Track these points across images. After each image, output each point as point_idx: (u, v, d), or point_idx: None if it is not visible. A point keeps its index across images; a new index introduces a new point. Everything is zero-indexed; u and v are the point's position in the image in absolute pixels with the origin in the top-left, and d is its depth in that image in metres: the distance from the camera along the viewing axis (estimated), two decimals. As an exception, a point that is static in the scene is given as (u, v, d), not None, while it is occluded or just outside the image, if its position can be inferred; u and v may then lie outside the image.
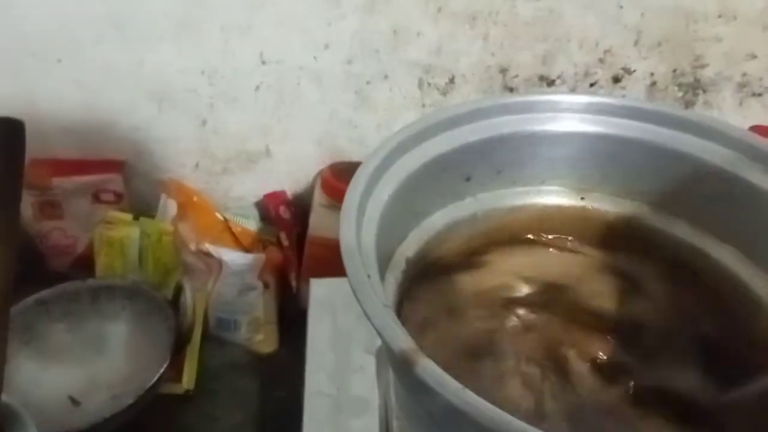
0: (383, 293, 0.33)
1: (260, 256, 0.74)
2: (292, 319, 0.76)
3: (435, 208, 0.48)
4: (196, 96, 0.73)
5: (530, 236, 0.51)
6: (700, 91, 0.79)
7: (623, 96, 0.76)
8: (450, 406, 0.27)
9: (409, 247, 0.45)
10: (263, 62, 0.71)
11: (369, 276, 0.33)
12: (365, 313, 0.30)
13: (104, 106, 0.73)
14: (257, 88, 0.73)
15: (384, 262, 0.42)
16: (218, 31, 0.68)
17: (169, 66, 0.71)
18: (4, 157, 0.42)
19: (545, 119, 0.48)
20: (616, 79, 0.77)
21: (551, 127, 0.48)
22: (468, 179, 0.48)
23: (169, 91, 0.73)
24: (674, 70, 0.77)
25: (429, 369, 0.27)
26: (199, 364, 0.72)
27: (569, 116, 0.48)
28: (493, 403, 0.26)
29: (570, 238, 0.51)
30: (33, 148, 0.72)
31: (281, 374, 0.73)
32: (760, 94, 0.80)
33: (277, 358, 0.76)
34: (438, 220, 0.48)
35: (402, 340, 0.29)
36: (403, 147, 0.43)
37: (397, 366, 0.33)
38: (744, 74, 0.78)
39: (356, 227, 0.35)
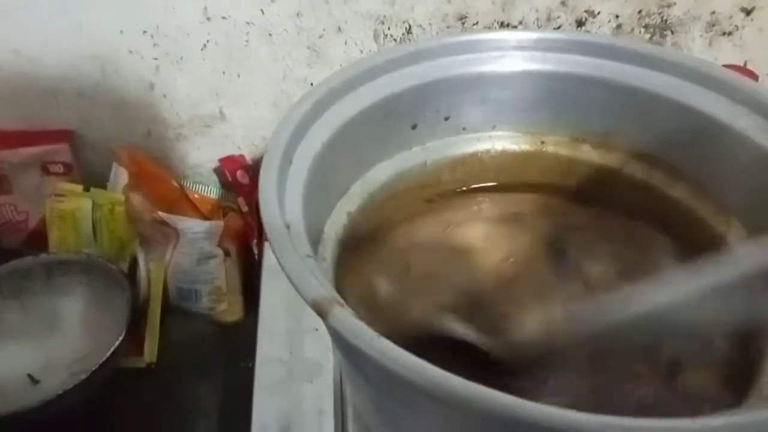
0: (307, 244, 0.31)
1: (218, 223, 0.72)
2: (257, 288, 0.74)
3: (379, 159, 0.45)
4: (140, 58, 0.70)
5: (482, 184, 0.49)
6: (668, 32, 0.76)
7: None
8: (366, 357, 0.24)
9: (351, 200, 0.43)
10: (208, 18, 0.68)
11: (288, 226, 0.30)
12: (279, 263, 0.28)
13: (46, 73, 0.70)
14: (204, 47, 0.70)
15: (322, 216, 0.40)
16: (156, -15, 0.65)
17: (109, 27, 0.67)
18: None
19: (491, 59, 0.45)
20: (580, 23, 0.74)
21: (498, 68, 0.45)
22: (414, 127, 0.46)
23: (111, 54, 0.69)
24: (640, 11, 0.74)
25: (342, 318, 0.25)
26: (161, 336, 0.70)
27: (517, 54, 0.45)
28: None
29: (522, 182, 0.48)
30: (-27, 121, 0.70)
31: (247, 344, 0.70)
32: (730, 33, 0.77)
33: (243, 328, 0.74)
34: (383, 171, 0.45)
35: (315, 289, 0.26)
36: (336, 92, 0.40)
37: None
38: (713, 12, 0.75)
39: (279, 175, 0.33)
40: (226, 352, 0.71)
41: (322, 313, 0.25)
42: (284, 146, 0.35)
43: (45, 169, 0.74)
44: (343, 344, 0.27)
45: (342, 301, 0.27)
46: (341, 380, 0.48)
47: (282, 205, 0.31)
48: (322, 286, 0.27)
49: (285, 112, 0.71)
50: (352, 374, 0.36)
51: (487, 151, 0.49)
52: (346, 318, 0.25)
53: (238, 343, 0.72)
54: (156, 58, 0.70)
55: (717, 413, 0.24)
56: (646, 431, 0.23)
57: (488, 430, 0.27)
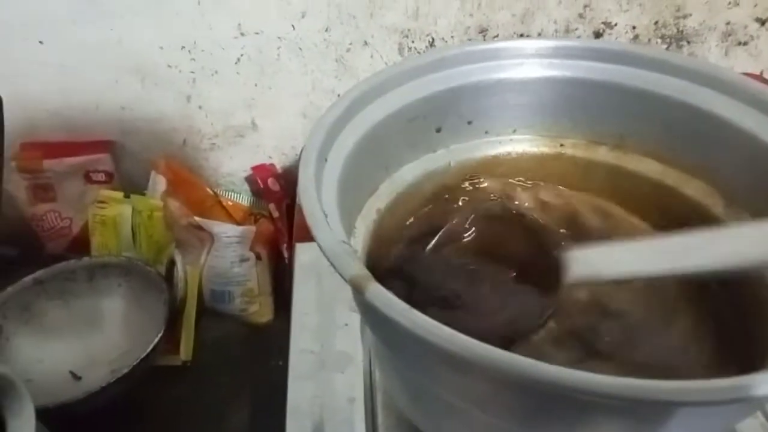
0: (342, 232, 0.34)
1: (251, 228, 0.75)
2: (286, 290, 0.76)
3: (406, 160, 0.48)
4: (177, 72, 0.74)
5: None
6: (684, 43, 0.79)
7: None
8: (402, 330, 0.27)
9: (381, 198, 0.46)
10: (242, 33, 0.72)
11: (326, 214, 0.33)
12: (319, 246, 0.30)
13: (88, 87, 0.74)
14: (238, 60, 0.74)
15: (354, 212, 0.43)
16: (194, 3, 0.69)
17: (149, 42, 0.71)
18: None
19: (512, 66, 0.48)
20: (598, 34, 0.76)
21: (518, 74, 0.48)
22: (438, 130, 0.49)
23: (150, 68, 0.73)
24: (656, 22, 0.76)
25: (378, 293, 0.28)
26: (195, 336, 0.74)
27: (536, 62, 0.48)
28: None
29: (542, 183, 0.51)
30: (22, 133, 0.75)
31: (276, 344, 0.73)
32: (745, 43, 0.79)
33: (272, 329, 0.77)
34: (410, 171, 0.48)
35: (352, 267, 0.29)
36: (367, 97, 0.43)
37: (354, 297, 0.33)
38: (728, 23, 0.77)
39: (316, 169, 0.36)
40: (257, 352, 0.75)
41: (360, 289, 0.28)
42: (320, 145, 0.38)
43: (88, 178, 0.78)
44: (377, 318, 0.29)
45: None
46: (371, 372, 0.50)
47: (319, 195, 0.34)
48: (358, 266, 0.30)
49: (314, 122, 0.75)
50: (383, 353, 0.38)
51: (508, 154, 0.51)
52: (382, 293, 0.28)
53: (268, 342, 0.76)
54: (193, 72, 0.74)
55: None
56: (666, 392, 0.24)
57: (510, 396, 0.29)
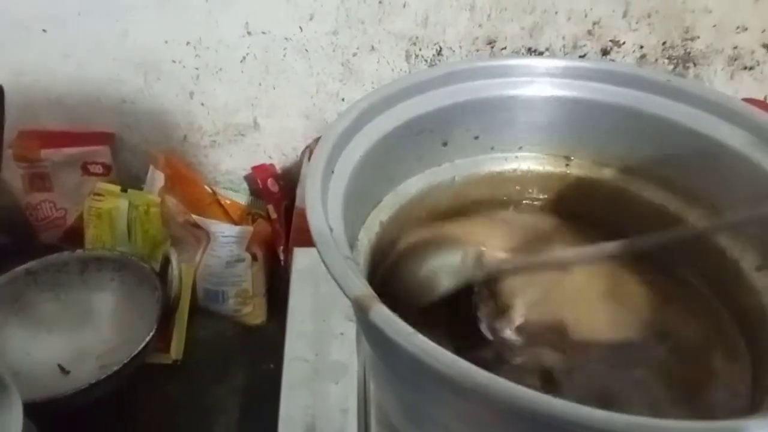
0: (347, 246, 0.34)
1: (248, 228, 0.75)
2: (281, 293, 0.76)
3: (411, 173, 0.48)
4: (182, 68, 0.73)
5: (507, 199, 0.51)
6: (691, 64, 0.79)
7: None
8: (404, 352, 0.27)
9: (384, 211, 0.45)
10: (248, 33, 0.71)
11: (332, 229, 0.33)
12: (324, 262, 0.30)
13: (91, 77, 0.74)
14: (243, 59, 0.73)
15: (357, 224, 0.42)
16: (202, 0, 0.68)
17: (154, 37, 0.71)
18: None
19: (521, 83, 0.47)
20: (605, 51, 0.76)
21: (527, 92, 0.48)
22: (445, 144, 0.48)
23: (155, 63, 0.73)
24: (664, 43, 0.77)
25: (382, 314, 0.28)
26: (187, 335, 0.73)
27: (546, 80, 0.48)
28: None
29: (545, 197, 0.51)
30: (21, 120, 0.74)
31: (269, 346, 0.73)
32: (751, 68, 0.79)
33: (266, 331, 0.77)
34: (414, 184, 0.47)
35: (357, 287, 0.29)
36: (375, 109, 0.43)
37: (356, 315, 0.33)
38: (735, 47, 0.78)
39: (322, 182, 0.36)
40: (249, 354, 0.74)
41: (364, 308, 0.28)
42: (327, 156, 0.38)
43: (85, 169, 0.78)
44: (379, 339, 0.29)
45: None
46: (365, 382, 0.50)
47: (325, 210, 0.34)
48: (364, 285, 0.29)
49: (316, 125, 0.75)
50: (381, 370, 0.38)
51: (514, 171, 0.51)
52: (386, 314, 0.27)
53: (260, 345, 0.75)
54: (197, 68, 0.74)
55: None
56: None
57: (508, 424, 0.29)
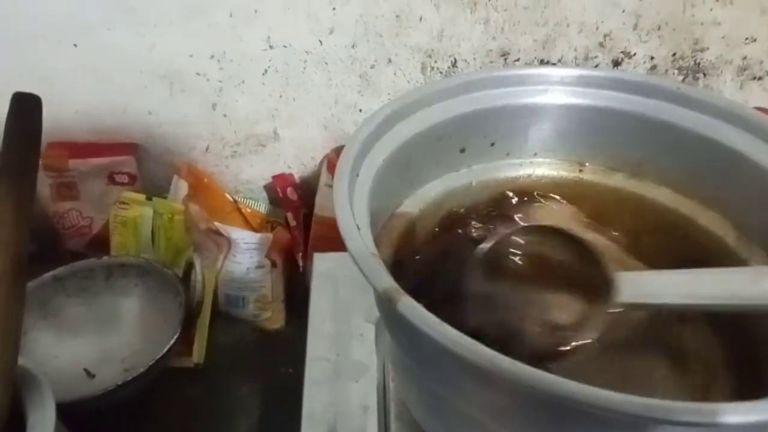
0: (373, 244, 0.35)
1: (268, 236, 0.77)
2: (299, 298, 0.78)
3: (431, 177, 0.50)
4: (205, 80, 0.76)
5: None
6: (701, 75, 0.80)
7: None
8: (430, 342, 0.28)
9: (404, 213, 0.47)
10: (270, 46, 0.74)
11: (359, 227, 0.35)
12: (352, 258, 0.32)
13: (117, 89, 0.76)
14: (265, 72, 0.76)
15: (379, 224, 0.44)
16: (226, 15, 0.71)
17: (180, 50, 0.73)
18: (22, 131, 0.45)
19: (536, 92, 0.49)
20: (616, 63, 0.78)
21: (542, 100, 0.50)
22: (462, 150, 0.50)
23: (179, 75, 0.75)
24: (674, 54, 0.78)
25: (409, 305, 0.29)
26: (208, 339, 0.75)
27: (560, 89, 0.49)
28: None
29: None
30: (49, 131, 0.76)
31: (287, 351, 0.75)
32: (760, 78, 0.81)
33: (284, 336, 0.79)
34: (433, 188, 0.49)
35: (385, 280, 0.31)
36: (397, 115, 0.45)
37: (382, 308, 0.35)
38: (744, 57, 0.79)
39: (349, 183, 0.38)
40: (268, 358, 0.76)
41: (392, 300, 0.29)
42: (353, 160, 0.40)
43: (111, 179, 0.80)
44: (405, 330, 0.31)
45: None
46: (384, 381, 0.51)
47: (352, 209, 0.36)
48: (391, 279, 0.31)
49: (335, 135, 0.77)
50: (405, 364, 0.39)
51: (528, 176, 0.53)
52: (413, 305, 0.29)
53: (279, 349, 0.77)
54: (220, 81, 0.76)
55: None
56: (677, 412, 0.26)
57: (532, 413, 0.30)
